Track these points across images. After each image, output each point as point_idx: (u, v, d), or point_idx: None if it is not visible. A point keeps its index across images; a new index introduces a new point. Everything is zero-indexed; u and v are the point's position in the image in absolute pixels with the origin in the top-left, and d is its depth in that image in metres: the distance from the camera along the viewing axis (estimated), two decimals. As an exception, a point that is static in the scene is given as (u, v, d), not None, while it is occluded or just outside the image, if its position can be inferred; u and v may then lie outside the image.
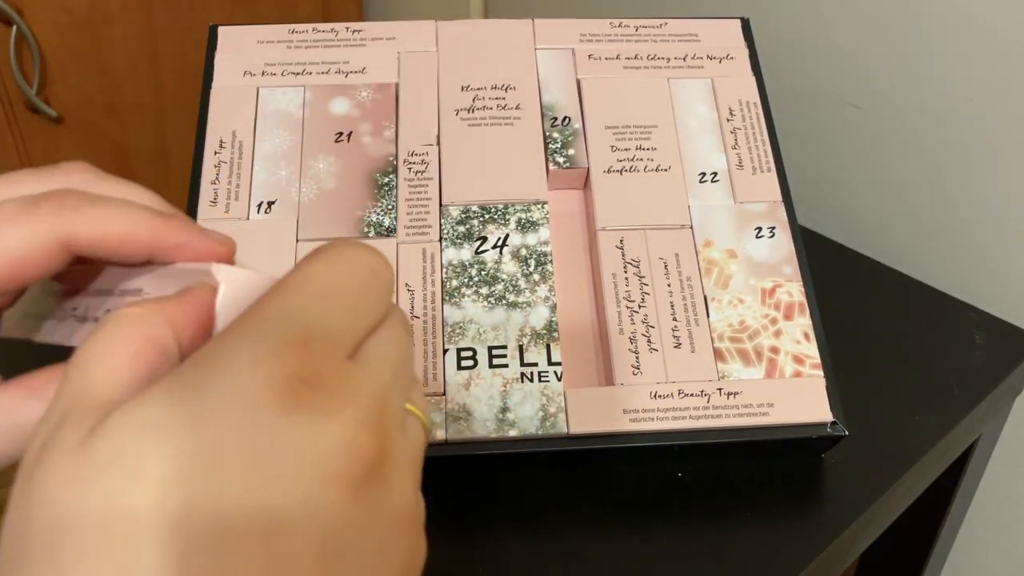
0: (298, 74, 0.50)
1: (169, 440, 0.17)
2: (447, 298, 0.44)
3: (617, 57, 0.52)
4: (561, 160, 0.48)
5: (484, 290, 0.44)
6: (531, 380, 0.42)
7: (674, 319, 0.44)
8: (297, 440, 0.18)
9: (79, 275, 0.26)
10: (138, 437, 0.17)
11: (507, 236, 0.46)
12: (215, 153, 0.47)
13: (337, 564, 0.18)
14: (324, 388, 0.18)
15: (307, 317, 0.19)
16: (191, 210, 0.46)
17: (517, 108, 0.49)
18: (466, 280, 0.45)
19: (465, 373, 0.42)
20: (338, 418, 0.18)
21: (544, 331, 0.44)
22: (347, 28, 0.52)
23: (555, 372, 0.43)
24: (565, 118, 0.49)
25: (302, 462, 0.18)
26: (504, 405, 0.42)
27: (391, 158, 0.48)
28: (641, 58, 0.52)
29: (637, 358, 0.43)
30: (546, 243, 0.46)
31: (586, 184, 0.49)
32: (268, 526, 0.17)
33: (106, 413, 0.18)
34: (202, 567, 0.16)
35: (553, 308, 0.44)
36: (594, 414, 0.42)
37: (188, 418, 0.17)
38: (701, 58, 0.52)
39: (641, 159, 0.49)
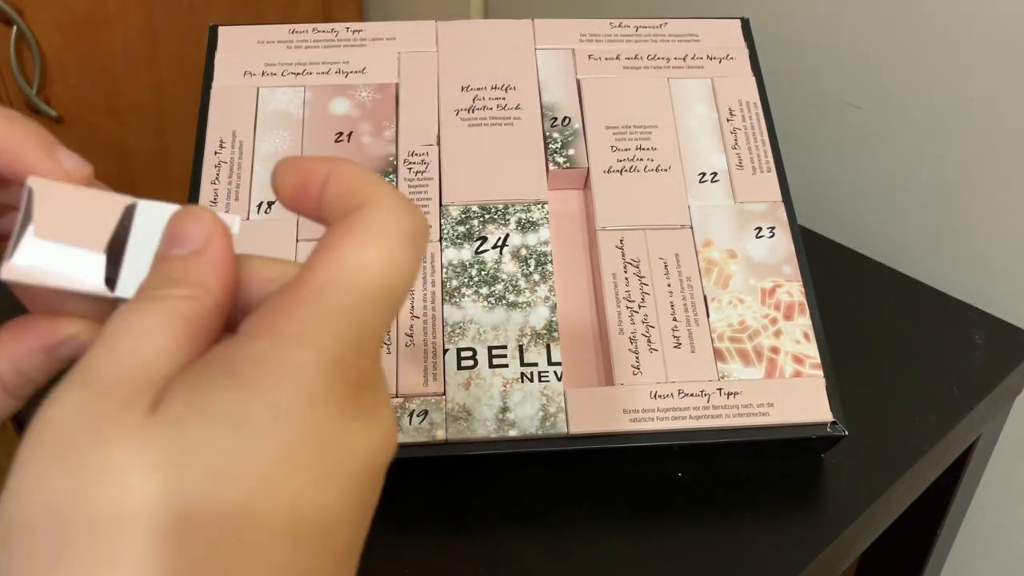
0: (298, 74, 0.50)
1: (247, 438, 0.17)
2: (447, 298, 0.44)
3: (617, 57, 0.52)
4: (561, 160, 0.48)
5: (484, 290, 0.44)
6: (531, 380, 0.42)
7: (674, 319, 0.44)
8: (356, 443, 0.18)
9: None
10: (210, 429, 0.17)
11: (507, 236, 0.46)
12: (215, 153, 0.47)
13: (353, 553, 0.19)
14: (373, 391, 0.19)
15: (363, 318, 0.19)
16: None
17: (517, 108, 0.49)
18: (466, 280, 0.45)
19: (465, 373, 0.42)
20: (381, 419, 0.19)
21: (544, 331, 0.44)
22: (347, 28, 0.52)
23: (555, 372, 0.43)
24: (565, 118, 0.50)
25: (358, 462, 0.18)
26: (504, 405, 0.42)
27: (391, 158, 0.48)
28: (641, 58, 0.52)
29: (637, 358, 0.43)
30: (546, 243, 0.46)
31: (586, 184, 0.49)
32: (327, 526, 0.18)
33: (160, 395, 0.18)
34: (284, 564, 0.17)
35: (553, 308, 0.44)
36: (594, 414, 0.42)
37: (259, 415, 0.17)
38: (701, 58, 0.52)
39: (641, 159, 0.49)
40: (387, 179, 0.47)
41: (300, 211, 0.21)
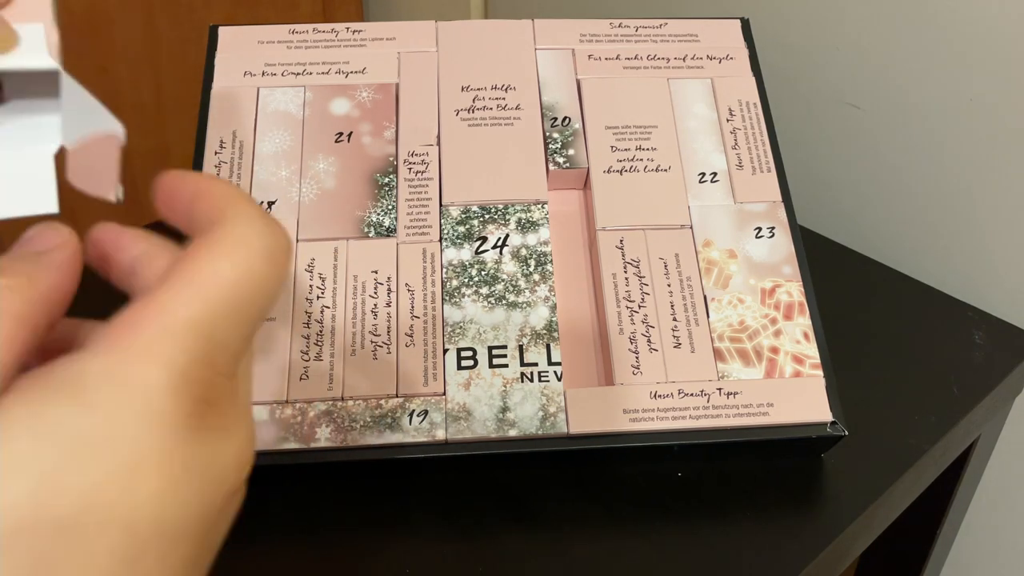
0: (298, 74, 0.50)
1: (83, 456, 0.17)
2: (447, 298, 0.44)
3: (617, 57, 0.52)
4: (561, 160, 0.48)
5: (484, 290, 0.44)
6: (531, 380, 0.42)
7: (674, 319, 0.44)
8: (202, 460, 0.18)
9: None
10: (43, 445, 0.16)
11: (507, 236, 0.46)
12: (215, 153, 0.47)
13: (201, 565, 0.19)
14: (223, 409, 0.19)
15: (215, 332, 0.18)
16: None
17: (517, 108, 0.49)
18: (466, 280, 0.45)
19: (465, 373, 0.42)
20: (234, 435, 0.19)
21: (544, 331, 0.44)
22: (347, 28, 0.52)
23: (555, 372, 0.43)
24: (565, 118, 0.50)
25: (205, 480, 0.18)
26: (504, 405, 0.42)
27: (391, 158, 0.48)
28: (641, 58, 0.52)
29: (637, 358, 0.43)
30: (546, 243, 0.46)
31: (586, 184, 0.49)
32: (171, 540, 0.18)
33: None
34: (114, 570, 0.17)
35: (553, 308, 0.44)
36: (594, 414, 0.42)
37: (98, 434, 0.17)
38: (701, 58, 0.52)
39: (641, 159, 0.49)
40: (387, 179, 0.47)
41: (170, 220, 0.21)
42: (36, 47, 0.23)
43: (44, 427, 0.17)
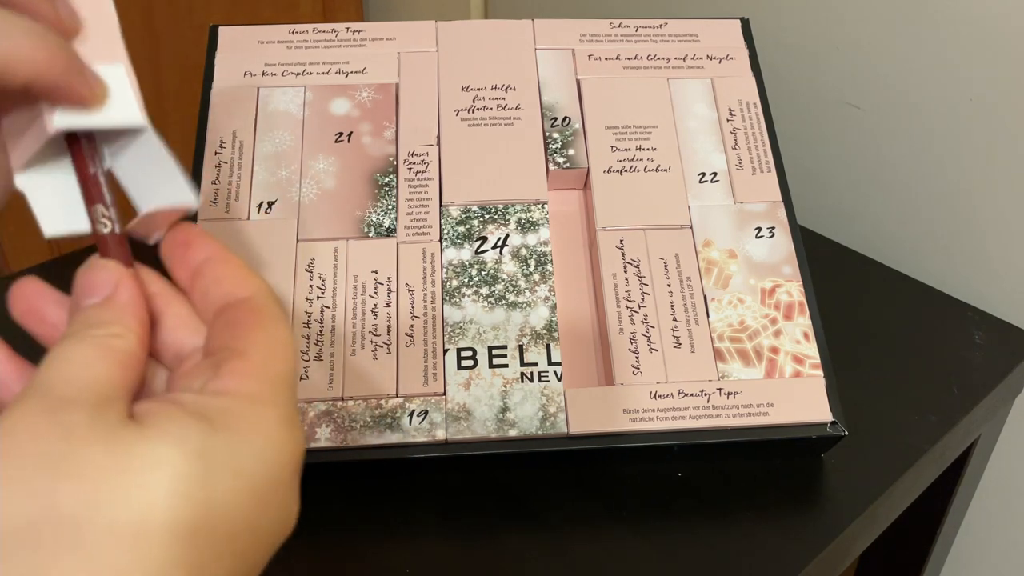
0: (298, 74, 0.50)
1: (209, 469, 0.20)
2: (447, 298, 0.44)
3: (617, 57, 0.52)
4: (561, 160, 0.48)
5: (484, 290, 0.44)
6: (531, 380, 0.42)
7: (674, 319, 0.44)
8: (292, 467, 0.23)
9: None
10: (177, 453, 0.20)
11: (507, 236, 0.46)
12: (215, 153, 0.47)
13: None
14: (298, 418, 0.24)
15: (293, 377, 0.24)
16: (191, 210, 0.46)
17: (517, 108, 0.49)
18: (466, 280, 0.45)
19: (465, 373, 0.42)
20: (300, 437, 0.24)
21: (544, 331, 0.44)
22: (347, 28, 0.52)
23: (555, 372, 0.43)
24: (565, 118, 0.50)
25: (291, 479, 0.23)
26: (504, 405, 0.42)
27: (391, 158, 0.48)
28: (641, 58, 0.52)
29: (637, 358, 0.43)
30: (546, 243, 0.46)
31: (586, 184, 0.49)
32: (269, 545, 0.22)
33: (128, 413, 0.21)
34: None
35: (553, 308, 0.44)
36: (594, 414, 0.42)
37: (224, 458, 0.21)
38: (701, 58, 0.52)
39: (641, 159, 0.49)
40: (387, 179, 0.47)
41: (168, 262, 0.26)
42: (124, 97, 0.26)
43: (179, 439, 0.20)
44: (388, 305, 0.44)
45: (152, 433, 0.20)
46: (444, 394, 0.42)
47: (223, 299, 0.25)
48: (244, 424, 0.21)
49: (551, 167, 0.48)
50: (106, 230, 0.25)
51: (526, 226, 0.46)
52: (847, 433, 0.43)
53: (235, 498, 0.20)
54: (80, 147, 0.25)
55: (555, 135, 0.49)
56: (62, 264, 0.61)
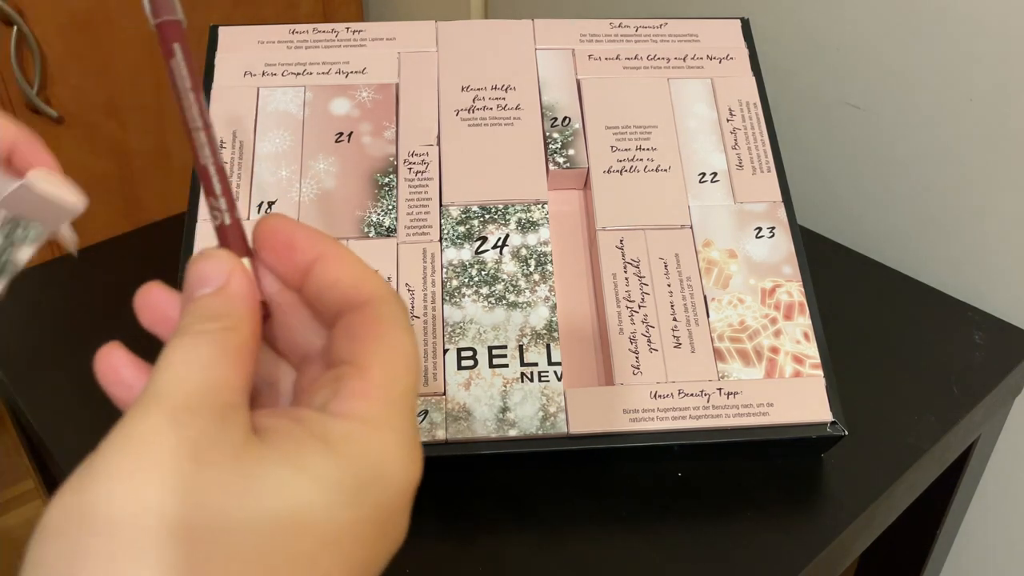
0: (298, 74, 0.50)
1: (328, 495, 0.20)
2: (447, 298, 0.44)
3: (617, 57, 0.52)
4: (561, 160, 0.48)
5: (484, 290, 0.44)
6: (531, 380, 0.42)
7: (674, 319, 0.44)
8: (412, 490, 0.24)
9: None
10: (299, 478, 0.20)
11: (507, 236, 0.46)
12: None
13: None
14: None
15: (414, 392, 0.23)
16: (192, 210, 0.46)
17: (517, 108, 0.49)
18: (466, 280, 0.45)
19: (465, 373, 0.42)
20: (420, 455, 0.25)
21: (544, 331, 0.44)
22: (347, 28, 0.52)
23: (555, 372, 0.43)
24: (565, 118, 0.50)
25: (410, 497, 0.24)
26: (504, 405, 0.42)
27: (391, 158, 0.48)
28: (641, 58, 0.52)
29: (637, 358, 0.43)
30: (546, 243, 0.46)
31: (586, 184, 0.49)
32: (379, 556, 0.23)
33: (247, 427, 0.21)
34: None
35: (553, 308, 0.44)
36: (594, 414, 0.42)
37: (345, 486, 0.20)
38: (701, 58, 0.52)
39: (641, 159, 0.49)
40: (387, 179, 0.47)
41: (275, 268, 0.24)
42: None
43: (299, 464, 0.20)
44: (388, 305, 0.44)
45: (276, 457, 0.20)
46: (444, 394, 0.42)
47: (340, 304, 0.24)
48: (364, 452, 0.21)
49: (551, 167, 0.48)
50: (217, 222, 0.24)
51: (526, 226, 0.46)
52: (847, 433, 0.43)
53: (353, 528, 0.20)
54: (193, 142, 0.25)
55: (555, 135, 0.49)
56: (61, 264, 0.61)
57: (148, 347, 0.23)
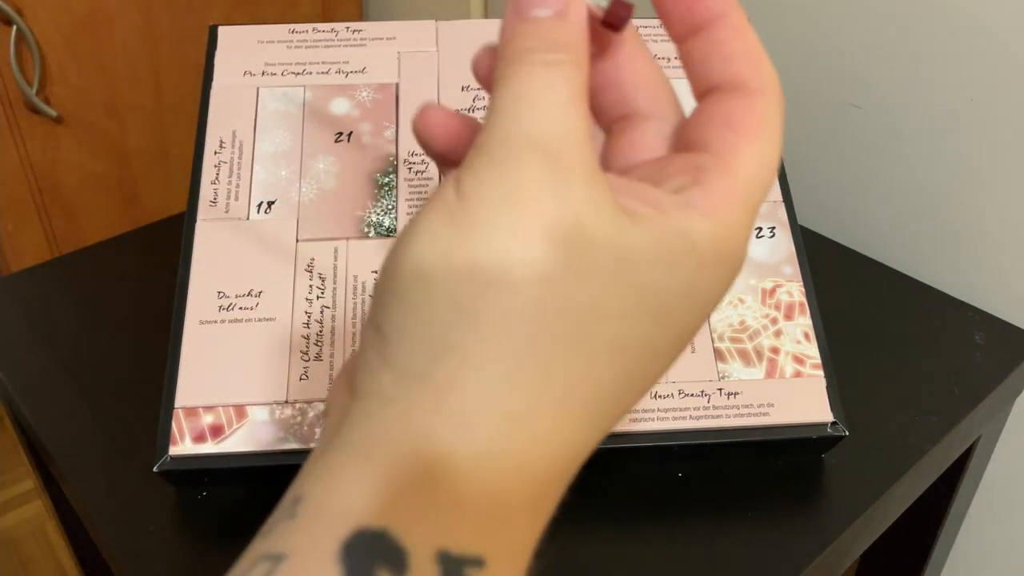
0: (298, 74, 0.50)
1: (693, 277, 0.19)
2: (447, 298, 0.44)
3: (617, 57, 0.52)
4: (561, 160, 0.48)
5: (484, 290, 0.44)
6: (531, 380, 0.42)
7: (674, 319, 0.44)
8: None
9: None
10: (675, 263, 0.19)
11: (507, 236, 0.46)
12: (215, 153, 0.47)
13: None
14: None
15: (763, 196, 0.21)
16: (191, 209, 0.46)
17: (517, 108, 0.49)
18: (466, 280, 0.44)
19: (465, 373, 0.42)
20: None
21: (544, 331, 0.43)
22: (347, 28, 0.52)
23: (555, 372, 0.42)
24: (565, 118, 0.49)
25: None
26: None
27: (391, 158, 0.48)
28: (641, 58, 0.52)
29: (637, 358, 0.43)
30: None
31: (586, 184, 0.49)
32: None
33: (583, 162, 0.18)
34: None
35: (553, 308, 0.44)
36: (594, 414, 0.42)
37: (699, 291, 0.20)
38: (701, 58, 0.52)
39: (641, 159, 0.48)
40: (387, 179, 0.47)
41: (667, 10, 0.22)
42: None
43: (671, 248, 0.19)
44: (388, 305, 0.44)
45: (650, 251, 0.18)
46: (444, 394, 0.42)
47: (724, 82, 0.21)
48: (719, 255, 0.20)
49: (551, 167, 0.48)
50: None
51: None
52: (847, 433, 0.43)
53: (687, 316, 0.20)
54: None
55: (555, 135, 0.49)
56: (61, 264, 0.61)
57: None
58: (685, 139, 0.21)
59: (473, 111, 0.49)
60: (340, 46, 0.51)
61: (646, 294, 0.19)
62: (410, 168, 0.47)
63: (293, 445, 0.41)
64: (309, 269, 0.45)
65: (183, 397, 0.42)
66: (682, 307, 0.19)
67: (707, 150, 0.20)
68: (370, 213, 0.46)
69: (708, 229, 0.19)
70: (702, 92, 0.21)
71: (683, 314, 0.20)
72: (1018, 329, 0.56)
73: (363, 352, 0.19)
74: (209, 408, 0.41)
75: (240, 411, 0.41)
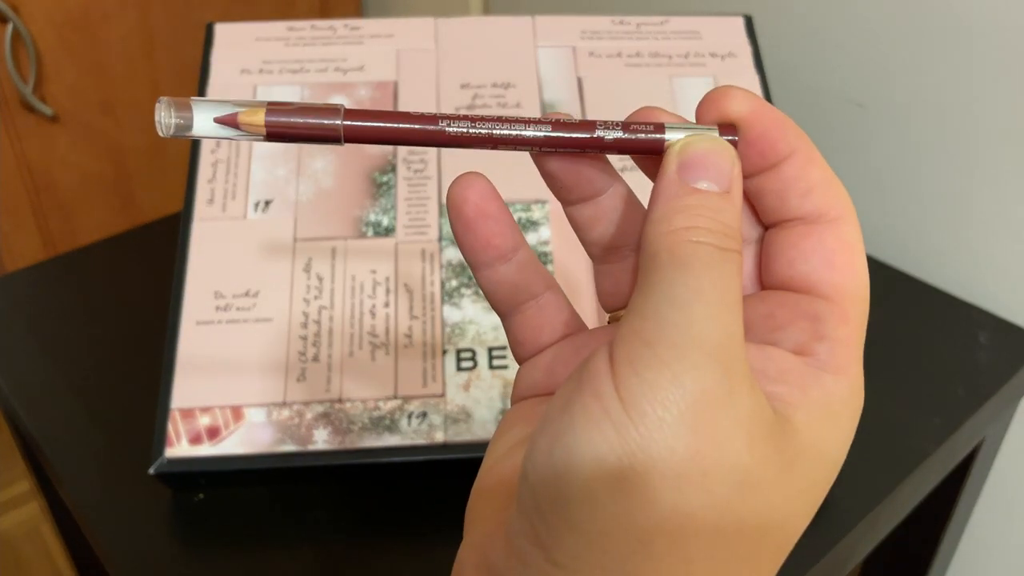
0: (296, 72, 0.49)
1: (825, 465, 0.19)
2: (446, 298, 0.44)
3: (618, 55, 0.51)
4: (562, 159, 0.48)
5: (484, 290, 0.44)
6: (532, 382, 0.42)
7: (676, 320, 0.44)
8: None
9: None
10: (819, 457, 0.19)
11: (507, 236, 0.45)
12: (212, 152, 0.47)
13: None
14: None
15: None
16: (187, 209, 0.46)
17: (517, 106, 0.49)
18: (465, 280, 0.44)
19: (464, 374, 0.42)
20: None
21: (545, 332, 0.43)
22: (345, 25, 0.51)
23: (556, 373, 0.42)
24: (566, 116, 0.49)
25: None
26: (504, 407, 0.41)
27: (390, 157, 0.47)
28: (643, 56, 0.51)
29: (639, 359, 0.43)
30: (546, 243, 0.45)
31: (587, 183, 0.48)
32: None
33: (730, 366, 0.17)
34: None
35: (554, 309, 0.44)
36: (595, 416, 0.41)
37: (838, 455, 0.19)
38: (703, 56, 0.52)
39: (643, 158, 0.48)
40: (386, 178, 0.47)
41: (745, 155, 0.20)
42: None
43: (810, 443, 0.18)
44: (386, 305, 0.43)
45: (807, 453, 0.18)
46: (443, 395, 0.41)
47: (807, 213, 0.20)
48: (854, 413, 0.19)
49: (552, 166, 0.47)
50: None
51: (526, 225, 0.46)
52: (851, 435, 0.42)
53: (830, 481, 0.20)
54: None
55: (556, 133, 0.48)
56: (57, 264, 0.61)
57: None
58: (776, 275, 0.20)
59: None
60: (338, 44, 0.51)
61: (807, 490, 0.18)
62: (409, 167, 0.47)
63: (290, 447, 0.40)
64: (307, 269, 0.44)
65: (179, 398, 0.41)
66: (829, 480, 0.19)
67: (813, 292, 0.20)
68: (368, 212, 0.46)
69: (842, 393, 0.19)
70: (775, 222, 0.21)
71: (827, 484, 0.19)
72: (1022, 329, 0.55)
73: (518, 564, 0.18)
74: (205, 410, 0.41)
75: (237, 412, 0.41)
